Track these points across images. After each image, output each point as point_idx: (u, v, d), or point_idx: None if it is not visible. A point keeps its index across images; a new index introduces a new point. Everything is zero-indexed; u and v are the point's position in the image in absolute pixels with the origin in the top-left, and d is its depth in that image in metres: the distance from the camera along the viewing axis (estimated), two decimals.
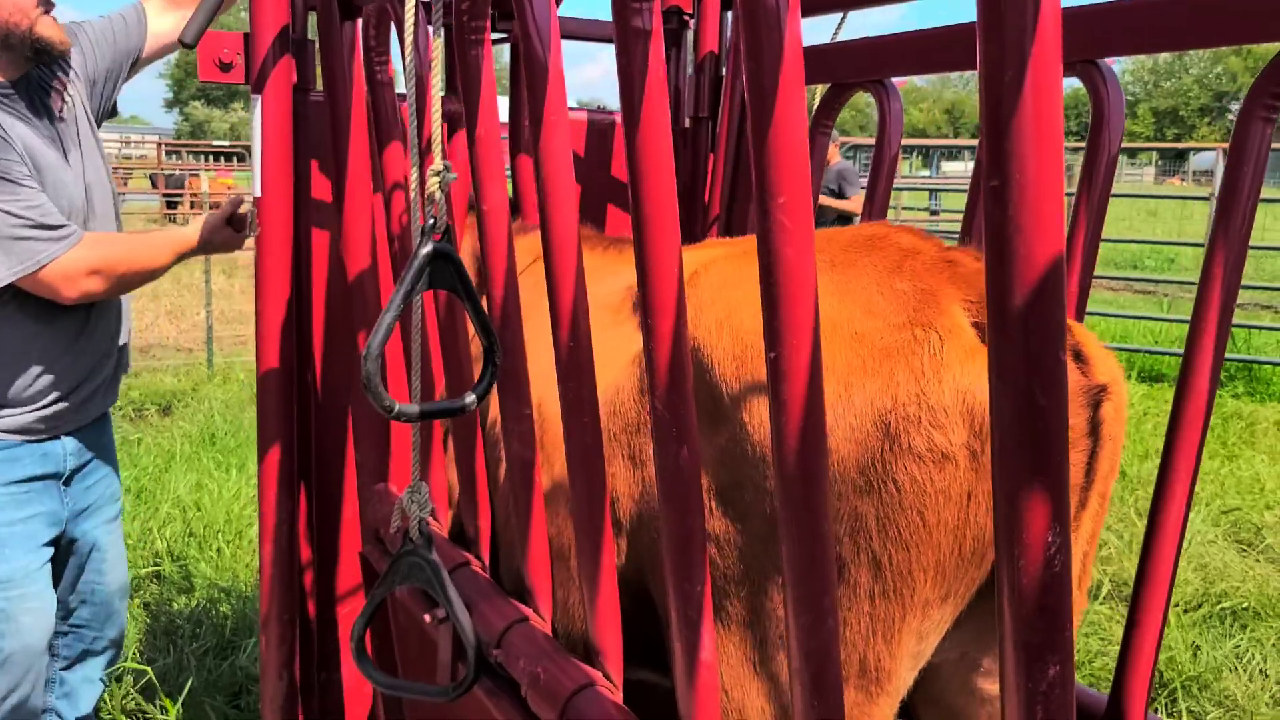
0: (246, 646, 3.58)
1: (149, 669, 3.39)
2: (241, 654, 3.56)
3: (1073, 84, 1.96)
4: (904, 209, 16.67)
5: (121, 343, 2.82)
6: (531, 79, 1.41)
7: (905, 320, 1.38)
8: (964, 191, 16.00)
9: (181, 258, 2.72)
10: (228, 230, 2.78)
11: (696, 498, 1.27)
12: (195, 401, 7.27)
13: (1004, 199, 0.71)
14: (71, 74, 2.69)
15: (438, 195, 1.55)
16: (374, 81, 2.22)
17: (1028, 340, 0.73)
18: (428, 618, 1.86)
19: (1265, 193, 1.71)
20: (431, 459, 2.24)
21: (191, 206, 17.31)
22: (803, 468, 1.02)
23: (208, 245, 2.76)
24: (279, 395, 2.32)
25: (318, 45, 2.27)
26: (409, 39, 1.66)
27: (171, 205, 19.30)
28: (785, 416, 1.01)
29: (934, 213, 16.33)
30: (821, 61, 2.49)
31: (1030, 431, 0.74)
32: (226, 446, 5.94)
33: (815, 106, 2.59)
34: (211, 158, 32.61)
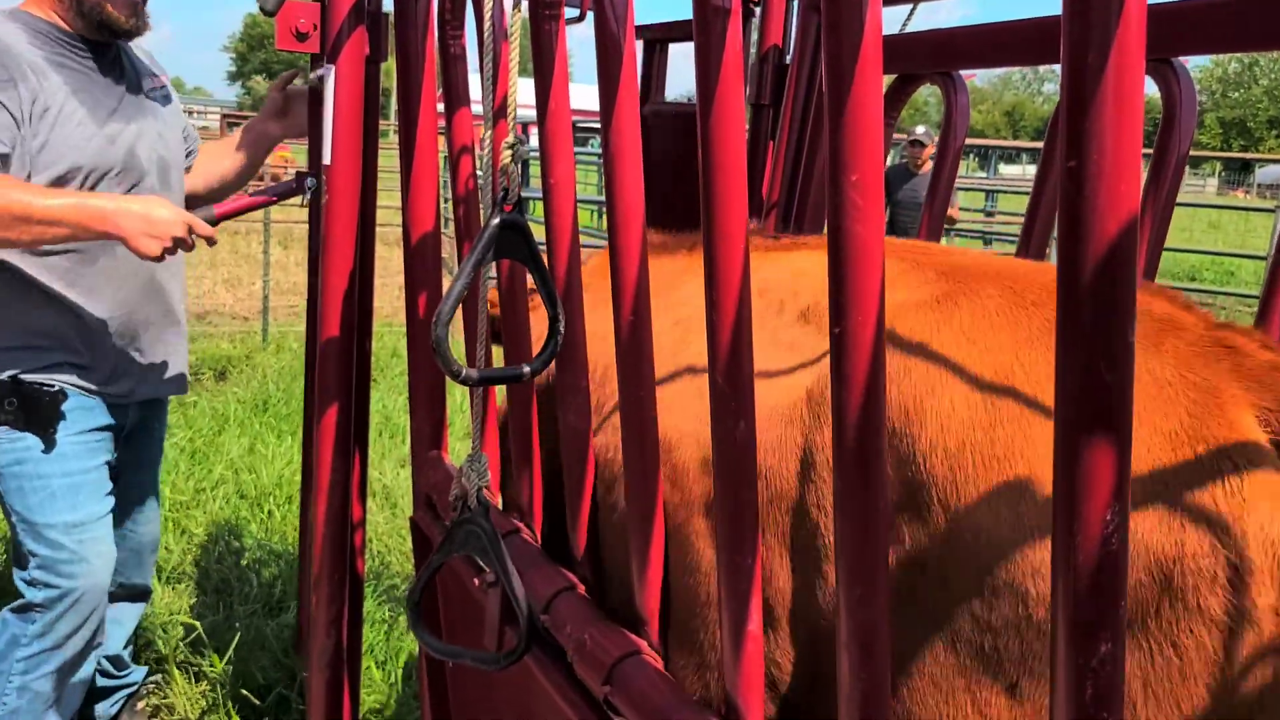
0: (292, 607, 3.66)
1: (199, 624, 3.48)
2: (288, 613, 3.64)
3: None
4: (960, 209, 16.47)
5: (167, 309, 2.89)
6: (604, 61, 1.43)
7: (1180, 431, 1.08)
8: (1021, 194, 15.81)
9: (89, 231, 2.44)
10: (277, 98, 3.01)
11: (751, 472, 1.29)
12: (250, 369, 7.41)
13: (1080, 179, 0.73)
14: (162, 79, 2.91)
15: (511, 166, 1.58)
16: (446, 54, 2.26)
17: (1097, 317, 0.74)
18: (476, 581, 1.90)
19: None
20: (487, 430, 2.28)
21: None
22: (861, 447, 1.04)
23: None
24: (339, 360, 2.37)
25: (392, 17, 2.32)
26: (488, 10, 1.69)
27: None
28: (847, 393, 1.03)
29: (989, 214, 16.14)
30: (889, 51, 2.49)
31: (1095, 407, 0.76)
32: (279, 413, 6.06)
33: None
34: None
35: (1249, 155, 32.35)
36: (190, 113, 44.50)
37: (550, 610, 1.72)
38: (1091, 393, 0.75)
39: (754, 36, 3.01)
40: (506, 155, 1.57)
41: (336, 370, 2.39)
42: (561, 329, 1.63)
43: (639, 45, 3.09)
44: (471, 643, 2.19)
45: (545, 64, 1.66)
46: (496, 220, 1.55)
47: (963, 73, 2.36)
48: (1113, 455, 0.76)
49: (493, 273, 1.93)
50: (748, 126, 3.02)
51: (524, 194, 2.16)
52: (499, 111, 1.71)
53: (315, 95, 2.71)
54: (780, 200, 2.80)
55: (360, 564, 2.68)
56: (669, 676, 1.49)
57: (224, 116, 28.60)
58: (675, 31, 3.04)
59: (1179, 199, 1.93)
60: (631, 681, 1.49)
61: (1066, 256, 0.75)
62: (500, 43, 1.72)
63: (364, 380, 2.56)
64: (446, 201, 10.18)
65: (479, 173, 2.01)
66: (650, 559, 1.56)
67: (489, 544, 1.65)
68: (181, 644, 3.46)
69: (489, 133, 1.64)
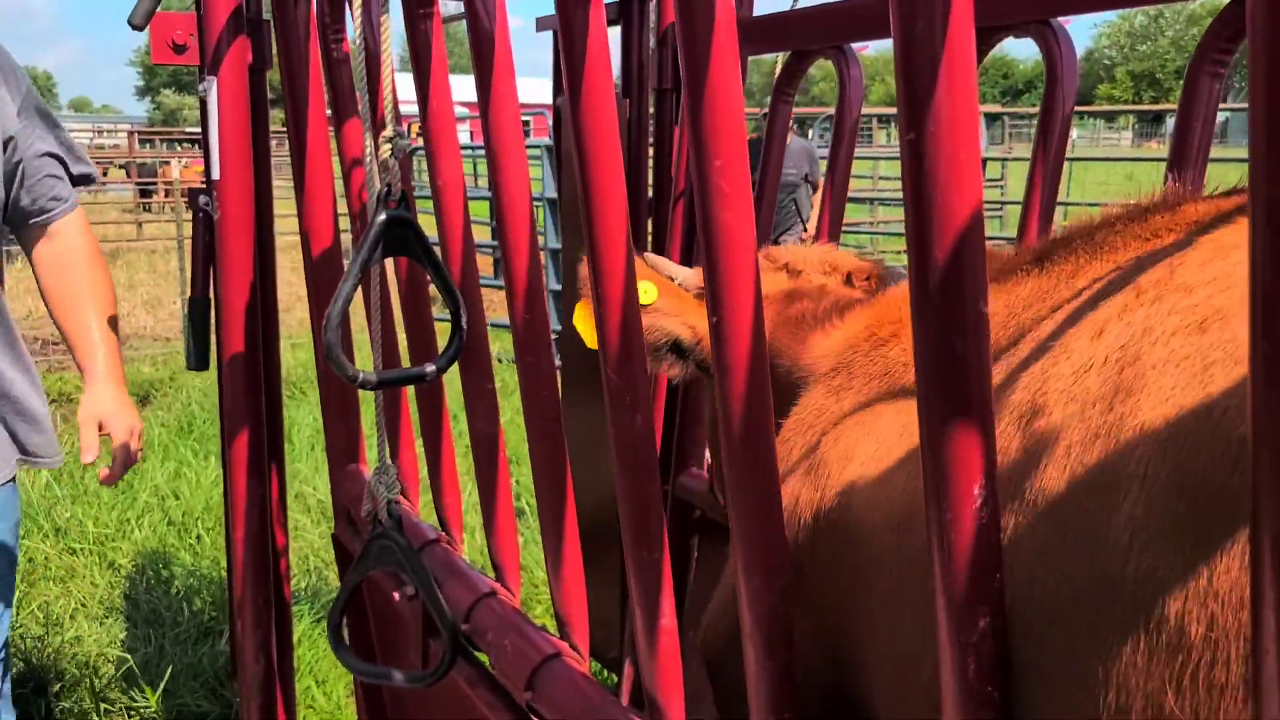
0: (226, 634, 3.58)
1: (130, 657, 3.39)
2: (222, 640, 3.56)
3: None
4: (881, 178, 16.68)
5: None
6: (478, 54, 1.40)
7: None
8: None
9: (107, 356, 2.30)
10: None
11: (651, 465, 1.28)
12: (173, 390, 7.23)
13: (920, 151, 0.72)
14: None
15: (391, 162, 1.54)
16: (330, 58, 2.20)
17: (948, 291, 0.73)
18: (397, 595, 1.86)
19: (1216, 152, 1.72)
20: (401, 438, 2.24)
21: (166, 195, 17.11)
22: (747, 431, 1.02)
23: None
24: (245, 378, 2.31)
25: (272, 24, 2.25)
26: (358, 11, 1.65)
27: (145, 194, 19.06)
28: (730, 381, 1.02)
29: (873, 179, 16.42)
30: (781, 29, 2.48)
31: (952, 381, 0.75)
32: (205, 434, 5.92)
33: (777, 74, 2.59)
34: (183, 145, 32.30)
35: (1160, 107, 33.19)
36: (100, 131, 43.18)
37: (471, 619, 1.69)
38: (948, 365, 0.75)
39: (651, 20, 2.99)
40: (386, 149, 1.53)
41: (244, 388, 2.33)
42: (464, 326, 1.60)
43: (549, 35, 3.04)
44: (400, 657, 2.16)
45: (423, 62, 1.62)
46: (382, 217, 1.51)
47: (855, 45, 2.36)
48: (975, 428, 0.76)
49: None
50: (652, 112, 3.00)
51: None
52: (378, 108, 1.67)
53: (203, 108, 2.63)
54: (686, 188, 2.79)
55: (286, 586, 2.62)
56: (591, 678, 1.48)
57: (132, 133, 27.87)
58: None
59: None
60: (552, 686, 1.47)
61: (913, 228, 0.74)
62: (377, 42, 1.68)
63: (274, 395, 2.50)
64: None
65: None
66: (565, 561, 1.54)
67: (404, 558, 1.61)
68: (113, 680, 3.36)
69: (368, 130, 1.59)
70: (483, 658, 1.72)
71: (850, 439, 1.26)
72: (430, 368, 1.60)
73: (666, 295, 1.72)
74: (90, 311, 2.32)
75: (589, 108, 1.16)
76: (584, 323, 1.76)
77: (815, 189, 8.08)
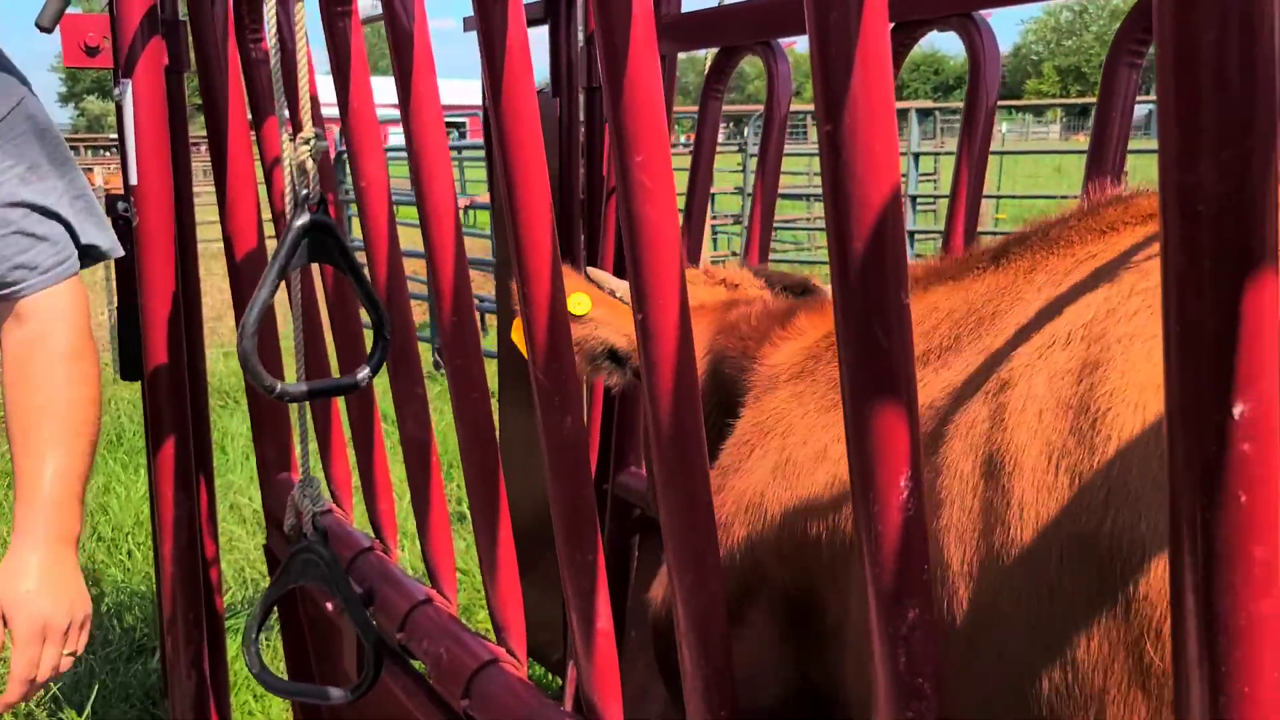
0: (158, 651, 3.49)
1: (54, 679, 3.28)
2: (154, 658, 3.47)
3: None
4: (816, 174, 16.80)
5: None
6: (398, 54, 1.37)
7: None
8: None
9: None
10: None
11: (583, 466, 1.26)
12: (103, 402, 7.04)
13: (838, 144, 0.71)
14: None
15: (309, 165, 1.51)
16: (248, 59, 2.15)
17: (868, 283, 0.73)
18: (330, 606, 1.83)
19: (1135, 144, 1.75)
20: (333, 445, 2.20)
21: None
22: (675, 428, 1.01)
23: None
24: (170, 388, 2.25)
25: (189, 24, 2.20)
26: (272, 10, 1.61)
27: None
28: (656, 377, 1.00)
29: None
30: (708, 25, 2.48)
31: (875, 374, 0.74)
32: (134, 447, 5.77)
33: (707, 70, 2.59)
34: (109, 151, 31.54)
35: (1087, 100, 34.00)
36: None
37: (406, 626, 1.66)
38: (871, 357, 0.74)
39: (579, 18, 2.97)
40: (304, 152, 1.49)
41: (169, 398, 2.26)
42: (388, 333, 1.57)
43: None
44: (336, 665, 2.11)
45: (342, 62, 1.59)
46: (301, 222, 1.47)
47: (783, 41, 2.37)
48: (899, 420, 0.75)
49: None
50: (583, 111, 2.98)
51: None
52: (295, 109, 1.63)
53: (119, 112, 2.56)
54: (618, 185, 2.77)
55: (218, 599, 2.56)
56: (528, 683, 1.46)
57: None
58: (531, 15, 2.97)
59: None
60: (489, 693, 1.44)
61: (833, 221, 0.73)
62: (293, 39, 1.64)
63: (201, 404, 2.44)
64: None
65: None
66: (500, 565, 1.52)
67: (329, 571, 1.58)
68: (40, 701, 3.26)
69: (285, 131, 1.56)
70: (421, 666, 1.69)
71: (820, 440, 1.25)
72: (363, 373, 1.57)
73: (601, 305, 1.72)
74: (50, 443, 1.66)
75: (510, 109, 1.14)
76: (520, 335, 1.74)
77: None
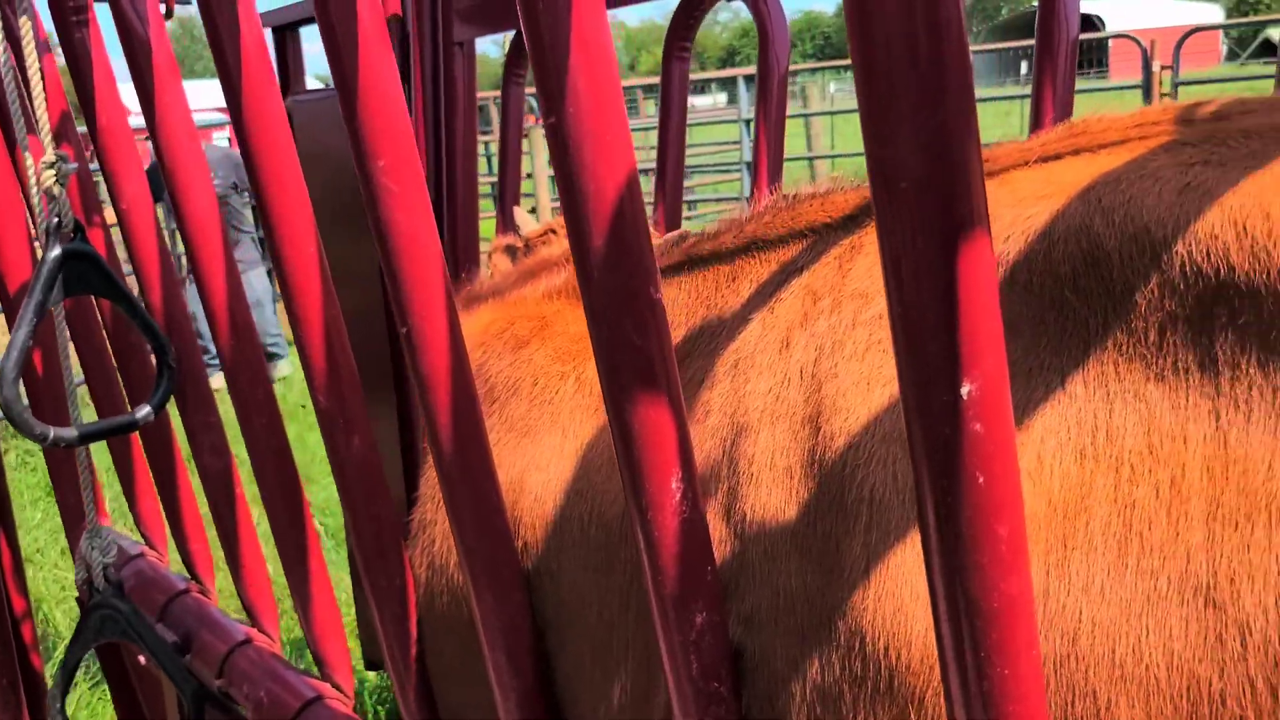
0: None
1: None
2: None
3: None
4: (652, 149, 16.82)
5: None
6: (131, 55, 1.26)
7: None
8: (713, 124, 16.22)
9: None
10: None
11: (379, 487, 1.19)
12: None
13: (564, 136, 0.66)
14: None
15: (56, 190, 1.38)
16: None
17: (614, 280, 0.69)
18: (143, 659, 1.70)
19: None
20: (138, 484, 2.05)
21: None
22: (458, 445, 0.96)
23: None
24: None
25: None
26: None
27: None
28: (432, 394, 0.94)
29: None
30: (498, 8, 2.41)
31: (633, 374, 0.70)
32: None
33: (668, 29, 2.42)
34: None
35: None
36: None
37: (225, 672, 1.55)
38: (627, 358, 0.70)
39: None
40: (49, 177, 1.36)
41: None
42: (171, 361, 1.46)
43: (268, 33, 2.85)
44: (165, 717, 1.98)
45: (84, 74, 1.46)
46: (56, 253, 1.35)
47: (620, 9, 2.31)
48: (665, 421, 0.72)
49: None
50: None
51: None
52: (39, 129, 1.49)
53: None
54: (426, 177, 2.68)
55: (34, 657, 2.37)
56: (354, 717, 1.38)
57: None
58: (303, 14, 2.81)
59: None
60: None
61: (570, 218, 0.69)
62: (21, 52, 1.49)
63: None
64: None
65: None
66: (313, 597, 1.43)
67: (130, 625, 1.46)
68: None
69: (28, 154, 1.42)
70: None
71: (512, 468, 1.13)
72: (145, 410, 1.46)
73: None
74: None
75: (251, 112, 1.06)
76: None
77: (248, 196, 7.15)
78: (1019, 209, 0.76)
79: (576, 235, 0.68)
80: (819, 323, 0.85)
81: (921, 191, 0.48)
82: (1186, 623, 0.58)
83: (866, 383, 0.78)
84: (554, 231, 1.81)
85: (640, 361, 0.70)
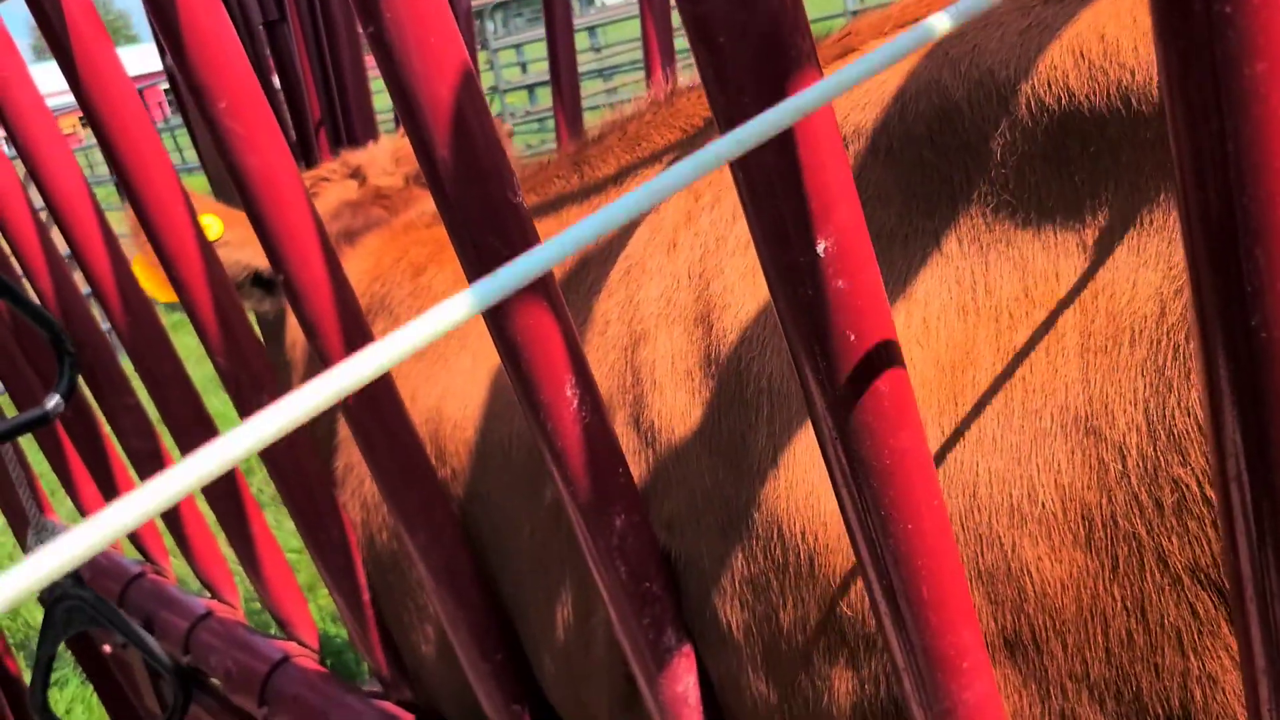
0: None
1: None
2: None
3: None
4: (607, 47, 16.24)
5: None
6: None
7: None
8: (627, 20, 15.64)
9: None
10: None
11: (302, 440, 1.16)
12: None
13: (388, 44, 0.62)
14: None
15: None
16: None
17: (469, 191, 0.65)
18: (108, 648, 1.69)
19: None
20: (74, 474, 2.00)
21: None
22: (365, 393, 0.93)
23: None
24: None
25: None
26: None
27: None
28: (323, 339, 0.91)
29: (598, 50, 16.05)
30: None
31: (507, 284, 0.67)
32: None
33: None
34: None
35: None
36: None
37: (191, 647, 1.54)
38: (493, 268, 0.67)
39: None
40: None
41: None
42: (70, 347, 1.40)
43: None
44: (141, 704, 1.98)
45: None
46: None
47: None
48: (549, 326, 0.69)
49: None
50: (267, 46, 2.77)
51: None
52: None
53: None
54: (323, 115, 2.59)
55: (9, 660, 2.35)
56: (324, 672, 1.37)
57: None
58: None
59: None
60: (286, 693, 1.36)
61: (414, 136, 0.65)
62: None
63: None
64: None
65: None
66: (262, 560, 1.41)
67: (97, 612, 1.44)
68: None
69: None
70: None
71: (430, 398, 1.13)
72: (54, 401, 1.41)
73: (235, 226, 1.51)
74: None
75: (79, 39, 0.99)
76: (148, 279, 1.49)
77: None
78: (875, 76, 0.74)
79: (423, 151, 0.65)
80: (701, 220, 0.83)
81: (738, 42, 0.44)
82: (1071, 455, 0.57)
83: (752, 274, 0.77)
84: (325, 180, 1.71)
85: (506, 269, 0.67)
